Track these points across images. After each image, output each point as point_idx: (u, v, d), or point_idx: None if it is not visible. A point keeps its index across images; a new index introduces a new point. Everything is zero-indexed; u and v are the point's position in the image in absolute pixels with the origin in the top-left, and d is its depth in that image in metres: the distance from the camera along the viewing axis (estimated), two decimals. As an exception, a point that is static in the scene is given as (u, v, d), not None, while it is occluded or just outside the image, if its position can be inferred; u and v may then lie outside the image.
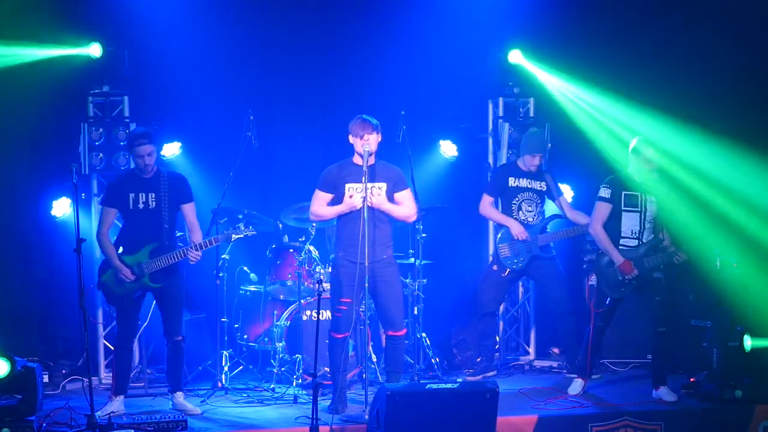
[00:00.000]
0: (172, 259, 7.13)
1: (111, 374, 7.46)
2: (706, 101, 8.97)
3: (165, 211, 7.16)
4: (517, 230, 8.14)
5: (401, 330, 7.15)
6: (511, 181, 8.28)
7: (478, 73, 9.26)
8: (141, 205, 7.15)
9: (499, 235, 8.30)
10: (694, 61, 9.22)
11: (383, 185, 7.08)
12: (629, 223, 7.50)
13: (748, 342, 7.45)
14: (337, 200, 7.10)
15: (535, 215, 8.26)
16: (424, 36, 9.23)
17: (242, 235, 7.40)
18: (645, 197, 7.50)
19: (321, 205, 7.13)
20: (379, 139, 7.04)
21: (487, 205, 8.34)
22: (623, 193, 7.50)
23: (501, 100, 9.27)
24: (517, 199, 8.26)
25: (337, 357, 7.12)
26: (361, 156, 6.94)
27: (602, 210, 7.52)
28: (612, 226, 7.51)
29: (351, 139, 7.05)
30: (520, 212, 8.24)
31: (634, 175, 7.53)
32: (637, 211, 7.50)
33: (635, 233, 7.49)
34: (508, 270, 8.23)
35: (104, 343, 8.57)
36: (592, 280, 7.89)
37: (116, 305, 7.34)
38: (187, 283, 8.25)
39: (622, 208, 7.50)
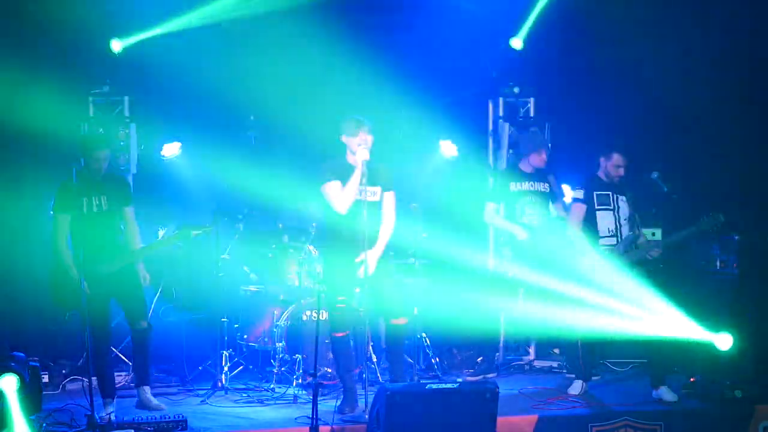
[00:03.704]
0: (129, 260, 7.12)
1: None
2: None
3: (116, 213, 7.11)
4: (522, 237, 8.12)
5: (400, 318, 7.06)
6: (513, 186, 8.24)
7: (478, 72, 9.26)
8: (95, 209, 7.05)
9: (502, 238, 8.28)
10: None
11: (378, 189, 7.04)
12: (605, 221, 7.65)
13: (721, 341, 7.38)
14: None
15: (539, 217, 8.23)
16: (424, 36, 9.24)
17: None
18: (616, 196, 7.67)
19: (339, 192, 6.95)
20: (372, 139, 6.99)
21: (491, 213, 8.30)
22: (594, 193, 7.67)
23: (501, 100, 9.27)
24: (519, 203, 8.23)
25: (343, 356, 7.10)
26: (362, 161, 6.87)
27: (578, 211, 7.69)
28: (589, 226, 7.64)
29: (344, 138, 7.02)
30: (524, 216, 8.23)
31: (603, 178, 7.71)
32: (610, 209, 7.65)
33: (612, 231, 7.64)
34: (512, 273, 8.21)
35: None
36: None
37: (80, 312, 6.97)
38: (187, 283, 8.28)
39: (596, 207, 7.66)
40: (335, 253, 7.01)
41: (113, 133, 8.45)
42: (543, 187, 8.25)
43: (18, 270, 8.60)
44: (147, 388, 7.22)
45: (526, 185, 8.24)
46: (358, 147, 6.91)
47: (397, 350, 7.17)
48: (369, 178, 6.92)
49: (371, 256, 6.87)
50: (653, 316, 7.35)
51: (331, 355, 7.79)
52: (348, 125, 7.00)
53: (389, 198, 7.09)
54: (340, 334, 7.07)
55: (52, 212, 7.08)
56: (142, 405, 7.18)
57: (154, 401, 7.20)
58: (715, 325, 7.83)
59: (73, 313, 7.07)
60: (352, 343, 7.67)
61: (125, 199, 7.23)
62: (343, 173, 6.94)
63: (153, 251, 7.28)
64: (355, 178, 6.87)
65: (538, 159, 8.24)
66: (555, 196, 8.31)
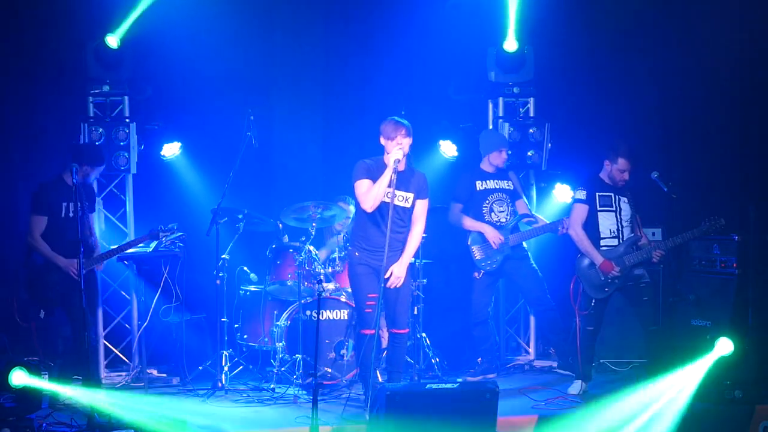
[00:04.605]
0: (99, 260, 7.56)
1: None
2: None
3: (86, 218, 7.38)
4: (492, 236, 8.15)
5: (405, 329, 7.15)
6: (479, 185, 8.28)
7: (478, 73, 9.26)
8: (71, 214, 7.34)
9: (470, 238, 8.29)
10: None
11: (411, 195, 7.02)
12: (607, 222, 7.62)
13: (722, 347, 7.33)
14: None
15: (507, 215, 8.27)
16: (424, 35, 9.23)
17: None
18: (618, 197, 7.64)
19: (367, 190, 6.93)
20: (410, 142, 6.95)
21: (457, 213, 8.32)
22: (597, 194, 7.64)
23: (501, 100, 9.26)
24: (487, 201, 8.26)
25: (368, 354, 7.01)
26: (394, 160, 6.83)
27: (580, 211, 7.65)
28: (590, 227, 7.62)
29: (382, 140, 6.96)
30: (492, 214, 8.26)
31: (606, 179, 7.67)
32: (612, 211, 7.63)
33: (613, 232, 7.61)
34: (482, 272, 8.23)
35: (104, 343, 8.59)
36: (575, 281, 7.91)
37: (58, 304, 7.45)
38: (187, 283, 8.29)
39: (598, 208, 7.63)
40: (362, 252, 7.02)
41: (113, 134, 8.46)
42: (507, 184, 8.32)
43: (17, 270, 8.62)
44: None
45: (492, 183, 8.28)
46: (393, 148, 6.89)
47: (398, 361, 7.20)
48: (401, 183, 6.90)
49: (401, 265, 6.96)
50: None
51: (332, 355, 7.83)
52: (386, 128, 6.97)
53: (422, 206, 7.08)
54: (370, 332, 7.00)
55: (33, 214, 7.41)
56: None
57: None
58: (716, 326, 7.85)
59: (49, 311, 7.42)
60: (351, 343, 7.72)
61: (91, 206, 7.69)
62: (377, 173, 6.92)
63: (119, 254, 7.74)
64: (385, 177, 6.84)
65: (498, 158, 8.29)
66: (519, 193, 8.32)
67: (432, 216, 8.56)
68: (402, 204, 6.99)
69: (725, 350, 7.26)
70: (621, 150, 7.59)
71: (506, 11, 8.85)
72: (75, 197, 6.91)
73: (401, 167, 6.87)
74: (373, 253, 6.96)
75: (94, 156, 7.63)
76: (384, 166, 6.94)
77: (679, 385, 7.08)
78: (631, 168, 7.59)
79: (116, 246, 7.88)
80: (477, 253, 8.24)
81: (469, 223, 8.30)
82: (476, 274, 8.29)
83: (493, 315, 8.63)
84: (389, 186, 6.83)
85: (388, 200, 6.84)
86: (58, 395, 7.09)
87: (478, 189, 8.28)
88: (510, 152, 8.52)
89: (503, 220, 8.25)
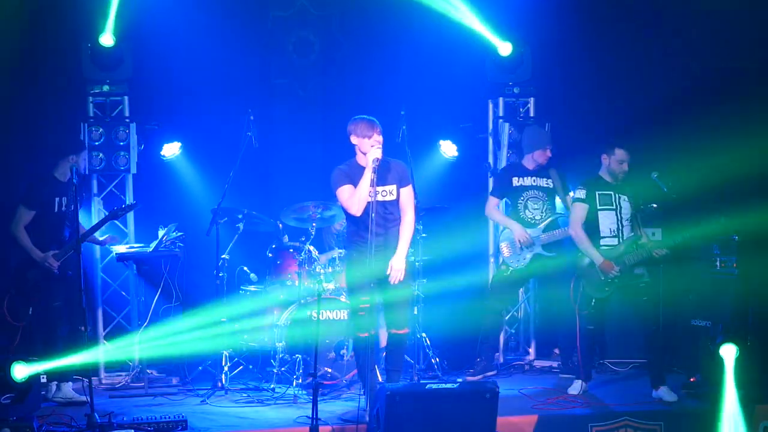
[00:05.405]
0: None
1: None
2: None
3: (77, 213, 7.33)
4: (518, 234, 8.13)
5: (404, 329, 7.12)
6: (515, 181, 8.28)
7: (478, 73, 9.26)
8: (64, 208, 7.49)
9: (501, 234, 8.31)
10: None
11: (393, 187, 6.99)
12: (607, 221, 7.61)
13: (726, 351, 7.31)
14: None
15: (542, 212, 8.24)
16: (424, 36, 9.24)
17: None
18: (618, 196, 7.62)
19: (351, 195, 6.91)
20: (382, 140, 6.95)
21: (492, 208, 8.36)
22: (597, 193, 7.62)
23: (501, 100, 9.26)
24: (522, 198, 8.25)
25: (366, 357, 6.96)
26: (373, 160, 6.79)
27: (579, 211, 7.64)
28: (590, 226, 7.60)
29: (355, 139, 6.92)
30: (527, 211, 8.24)
31: (606, 177, 7.65)
32: (612, 210, 7.61)
33: (613, 231, 7.59)
34: (510, 269, 8.24)
35: (104, 343, 8.59)
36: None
37: (42, 300, 7.51)
38: (187, 283, 8.28)
39: (598, 207, 7.61)
40: (356, 254, 7.00)
41: (113, 134, 8.48)
42: (546, 182, 8.28)
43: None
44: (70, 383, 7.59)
45: (529, 180, 8.27)
46: (371, 147, 6.86)
47: (397, 361, 7.17)
48: (380, 179, 6.86)
49: (399, 257, 6.91)
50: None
51: (332, 355, 7.83)
52: (360, 126, 6.92)
53: (407, 193, 7.03)
54: (365, 335, 6.97)
55: (22, 205, 7.44)
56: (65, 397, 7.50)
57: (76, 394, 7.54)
58: (716, 326, 7.85)
59: (39, 307, 7.44)
60: (351, 343, 7.72)
61: (80, 201, 7.68)
62: (355, 176, 6.90)
63: (90, 235, 7.67)
64: (365, 178, 6.81)
65: (542, 156, 8.27)
66: (558, 191, 8.30)
67: (432, 216, 8.61)
68: (387, 198, 6.96)
69: (732, 355, 7.25)
70: (616, 141, 7.59)
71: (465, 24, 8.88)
72: (74, 194, 7.04)
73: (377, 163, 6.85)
74: (367, 252, 6.91)
75: (73, 143, 7.72)
76: (359, 168, 6.91)
77: (729, 406, 7.08)
78: (628, 158, 7.58)
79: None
80: (505, 250, 8.23)
81: (499, 218, 8.35)
82: (503, 267, 8.28)
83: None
84: (371, 185, 6.81)
85: (371, 199, 6.82)
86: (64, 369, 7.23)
87: (514, 185, 8.27)
88: (552, 149, 8.47)
89: (538, 217, 8.22)
